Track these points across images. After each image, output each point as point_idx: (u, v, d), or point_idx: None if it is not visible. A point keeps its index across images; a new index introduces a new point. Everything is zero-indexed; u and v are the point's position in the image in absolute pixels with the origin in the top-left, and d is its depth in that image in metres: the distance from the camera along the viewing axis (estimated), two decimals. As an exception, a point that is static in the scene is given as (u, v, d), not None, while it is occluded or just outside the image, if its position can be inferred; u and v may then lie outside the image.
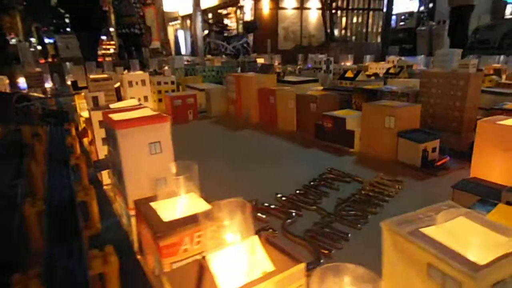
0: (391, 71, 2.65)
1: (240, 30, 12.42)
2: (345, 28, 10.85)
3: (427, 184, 1.05)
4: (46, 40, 19.78)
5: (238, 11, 15.00)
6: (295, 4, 12.52)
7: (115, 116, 0.75)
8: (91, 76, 1.74)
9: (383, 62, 3.64)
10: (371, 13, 10.31)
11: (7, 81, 2.82)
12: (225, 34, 9.86)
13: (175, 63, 2.92)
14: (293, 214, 0.86)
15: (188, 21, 18.86)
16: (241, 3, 14.57)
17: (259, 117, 1.87)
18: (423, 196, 0.98)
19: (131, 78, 1.78)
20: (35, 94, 2.39)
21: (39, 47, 19.56)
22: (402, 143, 1.17)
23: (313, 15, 11.80)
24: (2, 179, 1.13)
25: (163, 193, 0.66)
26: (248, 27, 9.92)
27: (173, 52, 11.73)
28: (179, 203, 0.66)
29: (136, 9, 6.57)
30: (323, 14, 8.49)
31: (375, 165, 1.19)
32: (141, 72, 1.86)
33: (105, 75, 1.79)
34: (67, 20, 6.97)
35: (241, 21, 14.19)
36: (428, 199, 0.96)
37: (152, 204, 0.65)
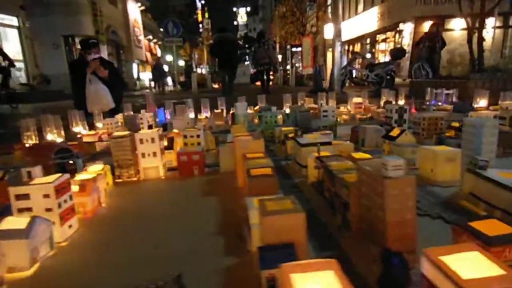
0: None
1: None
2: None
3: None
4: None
5: (397, 35, 13.99)
6: (464, 25, 10.73)
7: None
8: (114, 134, 2.04)
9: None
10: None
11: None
12: (370, 61, 9.37)
13: (238, 109, 2.99)
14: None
15: (346, 46, 18.98)
16: (401, 27, 13.55)
17: (243, 183, 1.77)
18: None
19: (142, 137, 1.99)
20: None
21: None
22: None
23: (488, 35, 9.94)
24: None
25: None
26: (395, 54, 9.12)
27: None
28: None
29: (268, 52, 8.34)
30: (468, 35, 6.95)
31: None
32: (155, 129, 2.07)
33: (127, 133, 2.03)
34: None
35: (398, 45, 13.17)
36: None
37: None
